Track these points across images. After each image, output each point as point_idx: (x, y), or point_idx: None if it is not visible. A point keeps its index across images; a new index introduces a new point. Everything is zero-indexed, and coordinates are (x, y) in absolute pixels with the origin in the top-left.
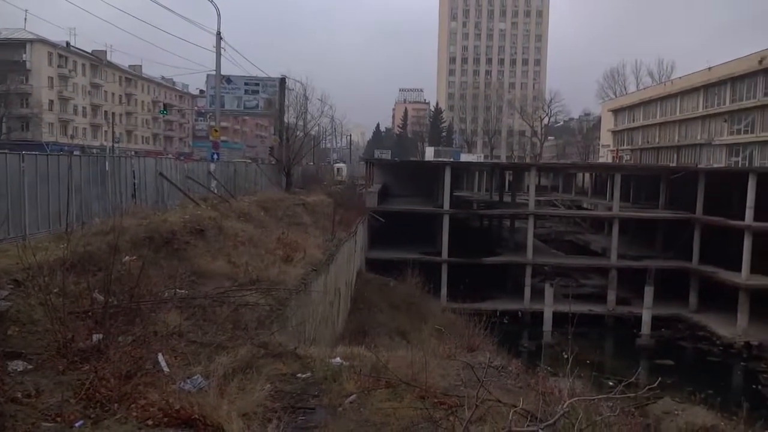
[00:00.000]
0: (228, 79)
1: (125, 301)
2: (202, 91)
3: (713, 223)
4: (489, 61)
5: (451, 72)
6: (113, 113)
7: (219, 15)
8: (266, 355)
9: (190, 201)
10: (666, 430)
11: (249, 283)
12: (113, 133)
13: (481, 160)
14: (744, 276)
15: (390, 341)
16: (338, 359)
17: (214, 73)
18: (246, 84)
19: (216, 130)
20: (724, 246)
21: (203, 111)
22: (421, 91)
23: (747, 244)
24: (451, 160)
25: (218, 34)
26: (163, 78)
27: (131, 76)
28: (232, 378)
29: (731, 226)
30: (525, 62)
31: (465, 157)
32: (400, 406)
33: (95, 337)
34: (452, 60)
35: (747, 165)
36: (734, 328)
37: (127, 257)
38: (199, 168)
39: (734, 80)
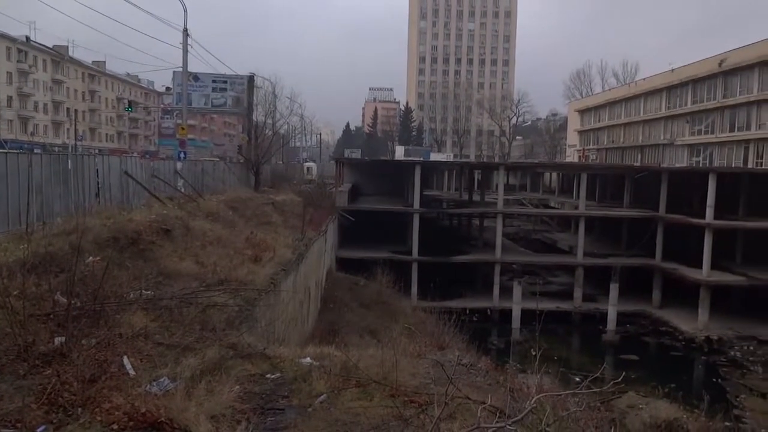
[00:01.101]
0: (195, 77)
1: (89, 302)
2: (168, 89)
3: (675, 221)
4: (458, 61)
5: (421, 71)
6: (76, 110)
7: (186, 11)
8: (235, 356)
9: (157, 200)
10: (630, 423)
11: (217, 284)
12: (76, 130)
13: (451, 159)
14: (705, 272)
15: (360, 340)
16: (308, 359)
17: (180, 70)
18: (214, 81)
19: (183, 128)
20: (686, 243)
21: (170, 109)
22: (391, 90)
23: (707, 241)
24: (421, 159)
25: (185, 30)
26: (128, 75)
27: (95, 72)
28: (200, 380)
29: (692, 223)
30: (494, 62)
31: (435, 157)
32: (371, 405)
33: (57, 340)
34: (422, 59)
35: (707, 165)
36: (696, 323)
37: (90, 258)
38: (165, 167)
39: (695, 82)
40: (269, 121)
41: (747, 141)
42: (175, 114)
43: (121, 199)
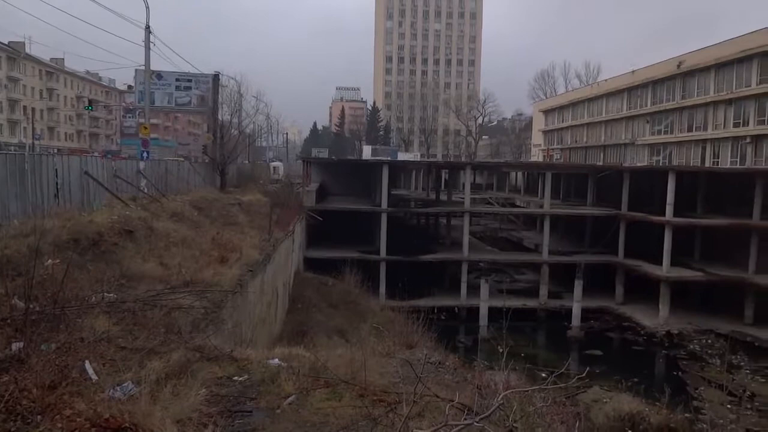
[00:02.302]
0: (158, 75)
1: (48, 306)
2: (130, 87)
3: (637, 219)
4: (425, 60)
5: (388, 71)
6: (33, 109)
7: (148, 8)
8: (201, 359)
9: (119, 201)
10: (595, 417)
11: (182, 286)
12: (33, 129)
13: (418, 158)
14: (665, 269)
15: (329, 340)
16: (276, 360)
17: (143, 68)
18: (177, 80)
19: (145, 128)
20: (647, 240)
21: (132, 107)
22: (358, 89)
23: (667, 238)
24: (389, 158)
25: (147, 27)
26: (87, 72)
27: (53, 69)
28: (166, 384)
29: (653, 221)
30: (460, 63)
31: (402, 156)
32: (340, 405)
33: (15, 345)
34: (388, 59)
35: (667, 164)
36: (657, 319)
37: (50, 260)
38: (127, 166)
39: (655, 83)
40: (235, 120)
41: (704, 141)
42: (137, 113)
43: (81, 200)
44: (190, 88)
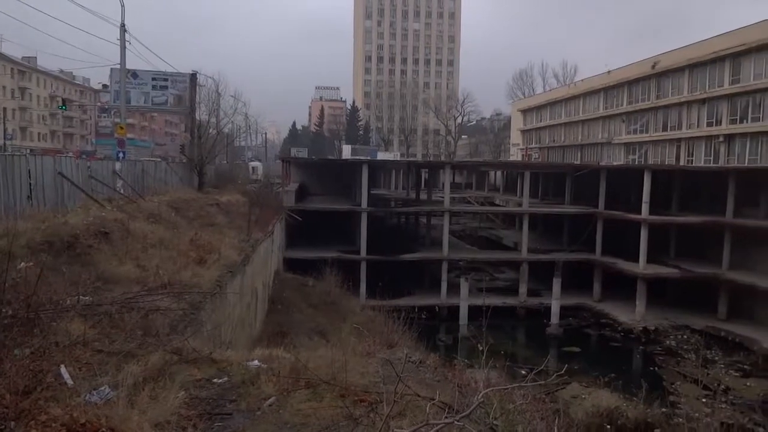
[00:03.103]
0: (134, 74)
1: (21, 310)
2: (105, 86)
3: (613, 217)
4: (404, 60)
5: (367, 71)
6: (5, 108)
7: (123, 6)
8: (180, 362)
9: (94, 202)
10: (574, 413)
11: (160, 288)
12: (5, 129)
13: (398, 158)
14: (641, 266)
15: (309, 341)
16: (256, 362)
17: (118, 67)
18: (154, 79)
19: (121, 127)
20: (624, 238)
21: (107, 107)
22: (338, 89)
23: (644, 236)
24: (369, 158)
25: (122, 26)
26: (61, 71)
27: (25, 68)
28: (143, 387)
29: (630, 219)
30: (439, 63)
31: (382, 156)
32: (320, 405)
33: None
34: (368, 59)
35: (643, 162)
36: (633, 315)
37: (23, 263)
38: (103, 167)
39: (630, 83)
40: (213, 120)
41: (679, 140)
42: (112, 112)
43: (55, 201)
44: (166, 87)
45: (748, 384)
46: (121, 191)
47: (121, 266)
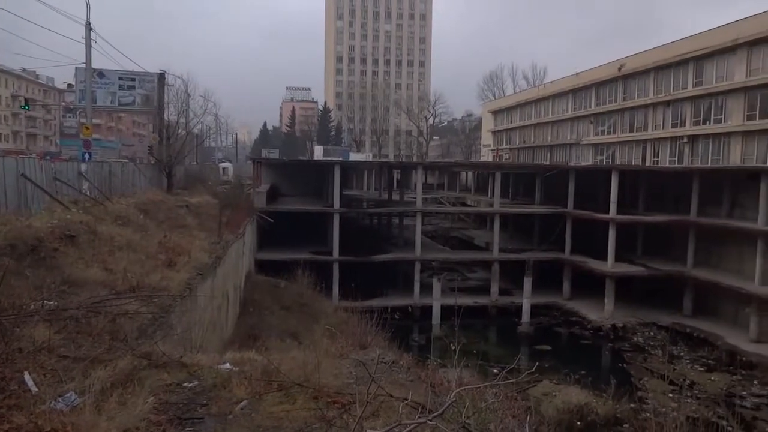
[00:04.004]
0: (100, 73)
1: None
2: (70, 85)
3: (582, 217)
4: (375, 61)
5: (339, 71)
6: None
7: (88, 3)
8: (149, 366)
9: (59, 204)
10: (545, 410)
11: (128, 291)
12: None
13: (370, 159)
14: (610, 264)
15: (282, 343)
16: (227, 365)
17: (83, 66)
18: (121, 78)
19: (87, 128)
20: (592, 237)
21: (72, 107)
22: (309, 89)
23: (611, 235)
24: (341, 159)
25: (88, 24)
26: (24, 70)
27: None
28: (111, 393)
29: (598, 219)
30: (410, 63)
31: (354, 156)
32: (293, 408)
33: None
34: (339, 59)
35: (610, 163)
36: (602, 313)
37: None
38: (68, 168)
39: (598, 85)
40: (182, 120)
41: (645, 141)
42: (78, 113)
43: (18, 203)
44: (134, 87)
45: (712, 378)
46: (87, 193)
47: (88, 270)
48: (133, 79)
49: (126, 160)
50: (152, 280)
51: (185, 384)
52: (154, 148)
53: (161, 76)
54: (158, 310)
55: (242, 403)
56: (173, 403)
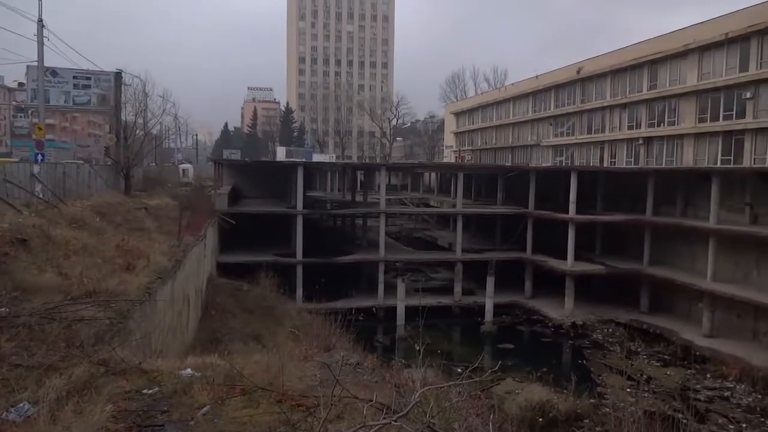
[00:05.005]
0: (53, 72)
1: None
2: (21, 84)
3: (543, 217)
4: (338, 62)
5: (301, 72)
6: None
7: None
8: (107, 373)
9: (10, 207)
10: (508, 408)
11: (84, 296)
12: None
13: (333, 160)
14: (569, 263)
15: (245, 347)
16: (189, 370)
17: (35, 64)
18: (75, 78)
19: (40, 128)
20: (553, 237)
21: (23, 106)
22: (271, 90)
23: (571, 234)
24: (304, 160)
25: (40, 21)
26: None
27: None
28: (67, 402)
29: (558, 218)
30: (373, 65)
31: (317, 158)
32: (257, 412)
33: None
34: (302, 60)
35: (569, 164)
36: (563, 310)
37: None
38: (20, 170)
39: (557, 88)
40: (140, 120)
41: (602, 142)
42: (30, 112)
43: None
44: (89, 86)
45: (668, 373)
46: (41, 196)
47: (41, 275)
48: (89, 78)
49: (81, 162)
50: (110, 285)
51: (145, 391)
52: (110, 149)
53: (118, 75)
54: (116, 316)
55: (204, 409)
56: (132, 411)
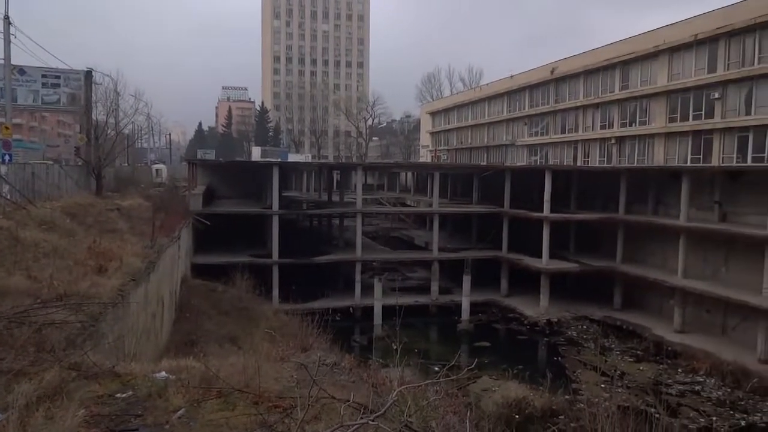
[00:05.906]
0: (21, 70)
1: None
2: None
3: (518, 216)
4: (314, 61)
5: (276, 71)
6: None
7: None
8: (79, 378)
9: None
10: (485, 405)
11: (55, 299)
12: None
13: (309, 160)
14: (544, 261)
15: (220, 349)
16: (163, 373)
17: (2, 62)
18: (44, 76)
19: (7, 128)
20: (528, 235)
21: None
22: (246, 89)
23: (546, 233)
24: (279, 160)
25: (6, 18)
26: None
27: None
28: (38, 407)
29: (532, 217)
30: (348, 64)
31: (293, 157)
32: (233, 414)
33: None
34: (277, 59)
35: (544, 163)
36: (538, 308)
37: None
38: None
39: (531, 88)
40: (111, 120)
41: (576, 141)
42: None
43: None
44: (59, 85)
45: (640, 368)
46: (8, 197)
47: (10, 278)
48: (58, 77)
49: (51, 162)
50: (81, 288)
51: (118, 395)
52: (81, 149)
53: (88, 73)
54: (88, 319)
55: (179, 412)
56: (105, 415)
